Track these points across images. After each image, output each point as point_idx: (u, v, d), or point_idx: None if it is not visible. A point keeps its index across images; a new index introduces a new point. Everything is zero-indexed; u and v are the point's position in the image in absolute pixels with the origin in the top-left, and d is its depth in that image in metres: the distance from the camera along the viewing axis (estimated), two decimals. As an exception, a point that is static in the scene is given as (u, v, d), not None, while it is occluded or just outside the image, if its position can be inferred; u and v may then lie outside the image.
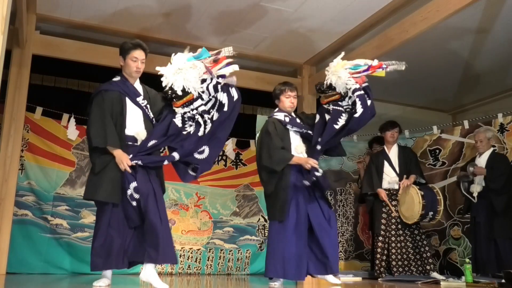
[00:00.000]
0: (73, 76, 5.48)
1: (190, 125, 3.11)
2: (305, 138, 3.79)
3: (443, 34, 5.11)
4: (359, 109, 3.45)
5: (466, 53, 5.64)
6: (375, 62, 3.55)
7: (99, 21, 5.07)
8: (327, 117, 3.65)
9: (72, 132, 5.20)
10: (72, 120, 5.22)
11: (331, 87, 3.60)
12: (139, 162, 2.98)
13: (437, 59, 5.80)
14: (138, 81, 3.32)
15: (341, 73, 3.52)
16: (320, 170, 3.52)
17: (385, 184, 5.09)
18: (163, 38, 5.37)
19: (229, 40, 5.46)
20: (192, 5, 4.72)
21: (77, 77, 5.50)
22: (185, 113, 3.09)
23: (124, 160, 2.94)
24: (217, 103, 3.13)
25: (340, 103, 3.63)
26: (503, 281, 3.82)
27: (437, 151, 5.68)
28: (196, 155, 3.12)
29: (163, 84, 3.08)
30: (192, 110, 3.09)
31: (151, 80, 5.68)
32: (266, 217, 5.97)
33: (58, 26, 5.17)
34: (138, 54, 3.20)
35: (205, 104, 3.11)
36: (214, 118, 3.13)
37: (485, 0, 4.47)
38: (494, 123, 5.25)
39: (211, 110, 3.13)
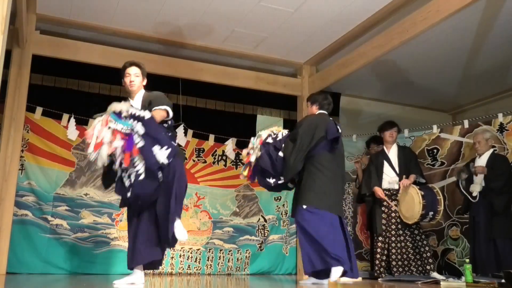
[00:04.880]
0: (73, 76, 5.48)
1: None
2: None
3: (443, 34, 5.12)
4: None
5: (466, 53, 5.64)
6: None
7: (99, 21, 5.08)
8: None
9: (72, 132, 5.20)
10: (72, 120, 5.22)
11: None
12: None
13: (437, 59, 5.80)
14: (139, 93, 3.49)
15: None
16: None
17: (385, 184, 5.08)
18: (163, 38, 5.37)
19: (229, 40, 5.46)
20: (192, 5, 4.72)
21: (77, 77, 5.49)
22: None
23: None
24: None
25: None
26: (503, 281, 3.82)
27: (435, 150, 5.67)
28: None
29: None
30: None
31: (153, 79, 5.69)
32: (266, 217, 5.99)
33: (58, 26, 5.17)
34: (130, 70, 3.46)
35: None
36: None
37: (485, 0, 4.47)
38: (494, 122, 5.24)
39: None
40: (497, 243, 4.57)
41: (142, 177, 3.04)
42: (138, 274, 3.28)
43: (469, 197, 4.75)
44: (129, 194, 3.11)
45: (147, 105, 3.33)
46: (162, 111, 3.29)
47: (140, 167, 3.04)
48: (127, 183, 3.10)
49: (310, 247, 3.64)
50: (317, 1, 4.59)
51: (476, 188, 4.71)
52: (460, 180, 4.85)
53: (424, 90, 6.83)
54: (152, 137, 3.07)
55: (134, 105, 3.32)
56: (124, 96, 5.64)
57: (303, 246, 3.71)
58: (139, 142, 3.01)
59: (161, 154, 3.07)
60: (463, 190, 4.83)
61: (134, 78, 3.44)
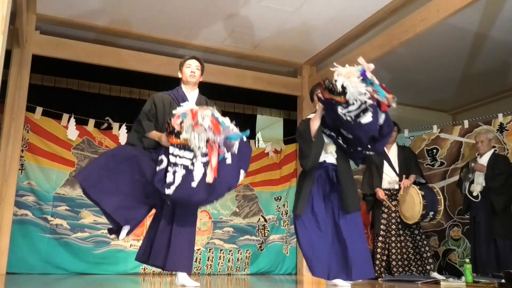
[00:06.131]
0: (73, 76, 5.48)
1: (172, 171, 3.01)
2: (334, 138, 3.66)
3: (443, 34, 5.12)
4: (368, 117, 3.22)
5: (466, 53, 5.64)
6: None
7: (99, 21, 5.07)
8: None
9: (72, 132, 5.19)
10: (72, 120, 5.22)
11: (343, 91, 3.21)
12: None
13: (437, 59, 5.80)
14: (196, 90, 3.51)
15: (355, 82, 3.21)
16: None
17: (385, 184, 5.08)
18: (163, 38, 5.37)
19: (229, 40, 5.46)
20: (192, 5, 4.72)
21: (77, 77, 5.50)
22: (171, 154, 3.00)
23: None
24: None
25: (347, 107, 3.27)
26: (503, 281, 3.82)
27: (435, 150, 5.67)
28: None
29: (175, 114, 3.00)
30: (178, 156, 3.00)
31: (154, 79, 5.67)
32: (266, 217, 6.00)
33: (58, 26, 5.17)
34: (192, 61, 3.49)
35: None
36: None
37: (485, 0, 4.47)
38: (494, 122, 5.25)
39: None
40: (498, 243, 4.57)
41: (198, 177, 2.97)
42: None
43: (469, 197, 4.76)
44: (168, 191, 2.96)
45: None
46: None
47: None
48: (169, 178, 2.97)
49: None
50: (317, 1, 4.59)
51: (477, 188, 4.72)
52: (464, 181, 4.86)
53: (424, 90, 6.83)
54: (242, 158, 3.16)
55: (189, 99, 3.37)
56: (125, 96, 5.72)
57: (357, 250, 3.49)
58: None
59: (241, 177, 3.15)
60: (465, 192, 4.84)
61: (195, 70, 3.45)
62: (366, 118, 3.22)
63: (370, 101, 3.21)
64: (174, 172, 2.97)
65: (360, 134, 3.34)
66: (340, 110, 3.27)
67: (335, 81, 3.23)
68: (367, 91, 3.20)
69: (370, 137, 3.36)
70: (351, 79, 3.21)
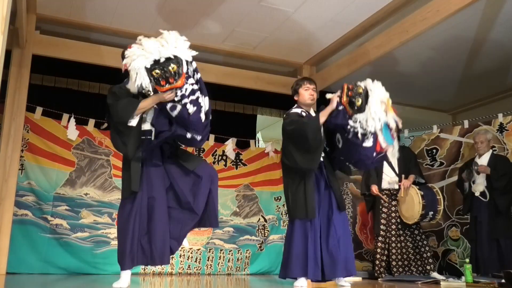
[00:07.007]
0: (73, 76, 5.48)
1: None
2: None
3: (443, 34, 5.12)
4: (369, 142, 3.27)
5: (466, 53, 5.64)
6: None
7: (99, 21, 5.08)
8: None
9: (72, 132, 5.19)
10: (72, 120, 5.22)
11: (359, 108, 3.24)
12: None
13: (437, 59, 5.80)
14: None
15: (381, 113, 3.26)
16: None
17: (385, 185, 5.08)
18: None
19: (229, 40, 5.46)
20: (192, 5, 4.72)
21: (77, 77, 5.50)
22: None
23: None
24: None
25: (349, 120, 3.32)
26: (503, 281, 3.82)
27: (434, 150, 5.67)
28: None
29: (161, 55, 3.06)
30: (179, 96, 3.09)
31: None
32: (266, 217, 6.00)
33: (58, 26, 5.17)
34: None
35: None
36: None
37: (485, 0, 4.47)
38: (494, 122, 5.25)
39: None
40: (500, 243, 4.57)
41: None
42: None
43: (480, 197, 4.75)
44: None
45: None
46: None
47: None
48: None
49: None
50: (317, 1, 4.59)
51: (479, 188, 4.72)
52: (465, 181, 4.86)
53: (424, 90, 6.83)
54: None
55: None
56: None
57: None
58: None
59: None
60: (466, 192, 4.84)
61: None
62: (367, 143, 3.28)
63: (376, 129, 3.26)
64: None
65: (353, 152, 3.39)
66: (350, 122, 3.30)
67: (361, 93, 3.23)
68: (381, 120, 3.25)
69: (358, 159, 3.42)
70: (378, 103, 3.23)
